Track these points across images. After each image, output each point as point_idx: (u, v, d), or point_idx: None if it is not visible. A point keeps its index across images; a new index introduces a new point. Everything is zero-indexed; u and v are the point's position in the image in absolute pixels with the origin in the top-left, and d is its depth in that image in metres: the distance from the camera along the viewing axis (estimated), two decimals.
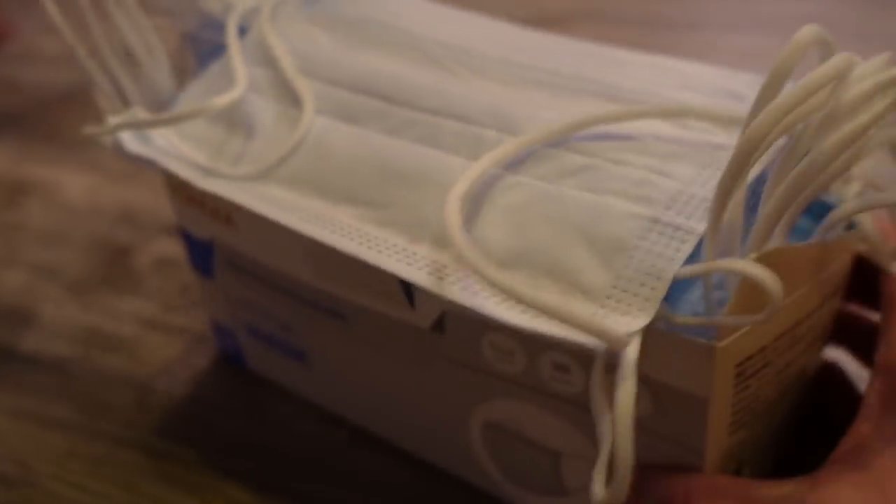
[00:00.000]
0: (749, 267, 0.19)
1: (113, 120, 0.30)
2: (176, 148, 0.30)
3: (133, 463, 0.34)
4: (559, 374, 0.25)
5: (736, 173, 0.20)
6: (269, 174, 0.28)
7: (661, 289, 0.21)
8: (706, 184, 0.23)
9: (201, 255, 0.34)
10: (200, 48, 0.33)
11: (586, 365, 0.24)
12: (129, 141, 0.30)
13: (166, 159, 0.29)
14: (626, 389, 0.21)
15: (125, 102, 0.31)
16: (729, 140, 0.24)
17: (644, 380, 0.22)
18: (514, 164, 0.25)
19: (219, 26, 0.32)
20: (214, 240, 0.32)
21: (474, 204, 0.24)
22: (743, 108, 0.23)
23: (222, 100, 0.29)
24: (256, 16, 0.32)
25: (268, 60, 0.31)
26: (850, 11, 0.59)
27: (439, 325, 0.26)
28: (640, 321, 0.21)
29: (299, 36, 0.32)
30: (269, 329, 0.34)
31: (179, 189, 0.31)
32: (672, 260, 0.21)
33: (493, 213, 0.24)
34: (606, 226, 0.23)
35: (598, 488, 0.21)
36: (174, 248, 0.45)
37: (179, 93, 0.32)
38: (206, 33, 0.33)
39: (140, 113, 0.30)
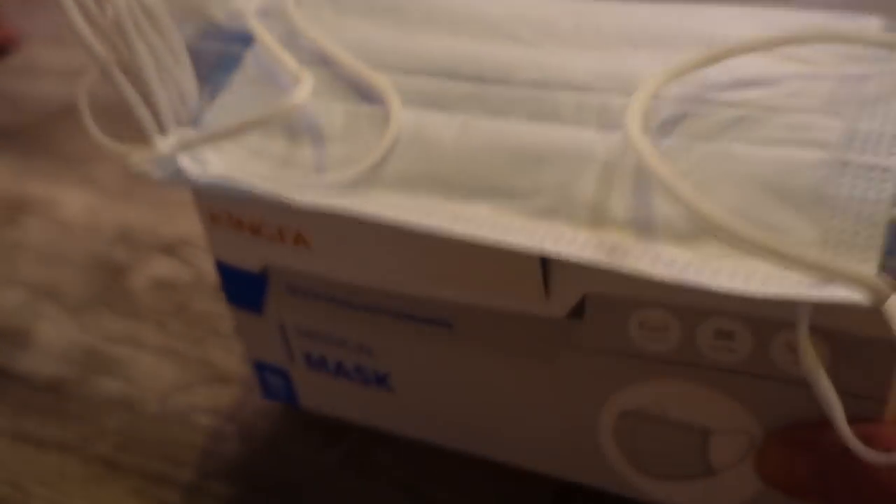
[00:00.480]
0: None
1: (164, 143, 0.27)
2: (243, 166, 0.27)
3: (126, 486, 0.34)
4: (721, 342, 0.24)
5: None
6: (370, 179, 0.25)
7: (878, 235, 0.20)
8: (874, 116, 0.22)
9: (247, 288, 0.32)
10: (199, 62, 0.30)
11: (755, 328, 0.23)
12: (190, 166, 0.26)
13: (251, 183, 0.26)
14: None
15: (160, 124, 0.28)
16: (868, 69, 0.23)
17: (820, 330, 0.22)
18: (661, 127, 0.24)
19: (223, 36, 0.30)
20: (271, 268, 0.30)
21: (637, 177, 0.23)
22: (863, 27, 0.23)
23: (302, 93, 0.26)
24: (269, 17, 0.30)
25: (314, 58, 0.28)
26: None
27: (576, 311, 0.25)
28: (868, 272, 0.20)
29: (337, 29, 0.29)
30: (339, 356, 0.32)
31: (222, 217, 0.29)
32: (879, 202, 0.21)
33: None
34: (793, 178, 0.22)
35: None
36: (170, 269, 0.46)
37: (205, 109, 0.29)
38: (207, 45, 0.30)
39: (186, 132, 0.27)
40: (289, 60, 0.27)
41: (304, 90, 0.26)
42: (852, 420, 0.22)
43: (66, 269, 0.47)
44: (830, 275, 0.20)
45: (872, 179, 0.21)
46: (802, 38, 0.23)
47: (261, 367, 0.34)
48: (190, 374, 0.39)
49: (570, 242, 0.23)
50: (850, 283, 0.20)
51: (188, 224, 0.48)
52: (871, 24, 0.24)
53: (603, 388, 0.27)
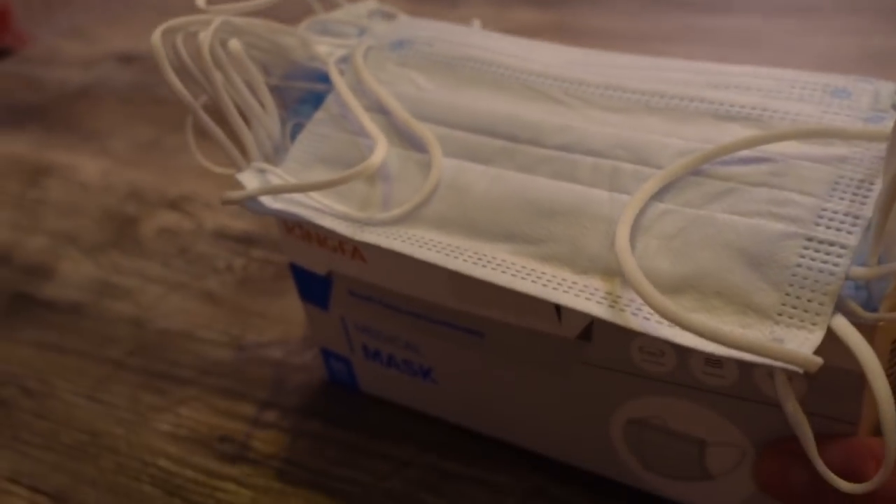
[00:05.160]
0: None
1: (252, 181, 0.31)
2: (310, 199, 0.30)
3: (133, 381, 0.41)
4: (711, 368, 0.26)
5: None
6: (411, 217, 0.29)
7: (830, 303, 0.23)
8: (843, 198, 0.25)
9: (315, 288, 0.36)
10: (286, 97, 0.35)
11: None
12: (268, 200, 0.30)
13: (311, 214, 0.30)
14: (880, 384, 0.22)
15: (245, 155, 0.32)
16: (848, 151, 0.26)
17: None
18: (659, 192, 0.27)
19: (304, 75, 0.34)
20: (334, 273, 0.34)
21: (631, 234, 0.26)
22: (856, 111, 0.27)
23: (375, 160, 0.30)
24: (346, 62, 0.34)
25: (375, 106, 0.32)
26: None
27: (585, 333, 0.28)
28: (816, 336, 0.23)
29: (396, 79, 0.33)
30: (391, 350, 0.35)
31: (294, 230, 0.33)
32: (833, 275, 0.23)
33: (651, 242, 0.26)
34: (764, 246, 0.24)
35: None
36: (174, 220, 0.52)
37: (287, 140, 0.33)
38: (292, 82, 0.34)
39: (267, 168, 0.31)
40: (365, 119, 0.31)
41: (378, 157, 0.30)
42: (832, 440, 0.25)
43: (83, 220, 0.54)
44: (771, 352, 0.22)
45: (830, 254, 0.24)
46: (774, 138, 0.26)
47: (326, 354, 0.39)
48: (189, 300, 0.46)
49: (570, 287, 0.26)
50: (787, 358, 0.22)
51: (190, 185, 0.55)
52: (884, 90, 0.28)
53: (610, 399, 0.30)
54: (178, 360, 0.42)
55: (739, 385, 0.26)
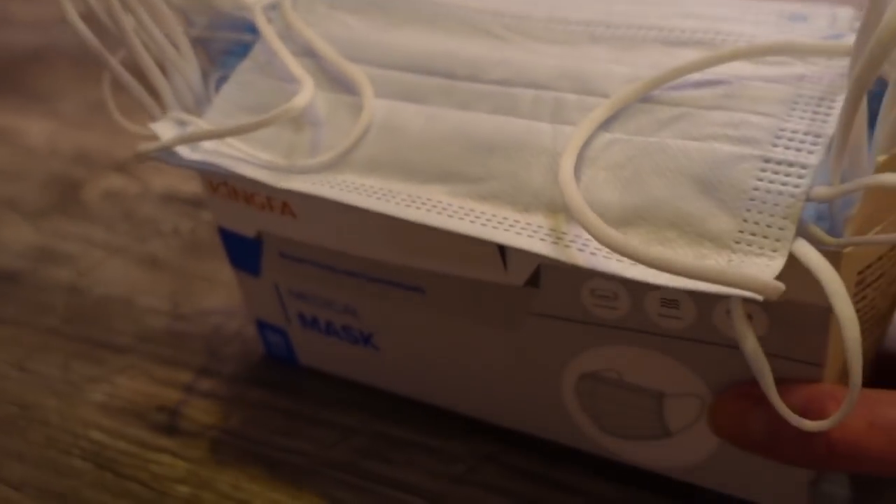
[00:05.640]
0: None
1: (168, 131, 0.29)
2: (232, 149, 0.29)
3: (68, 350, 0.39)
4: (667, 309, 0.25)
5: (862, 87, 0.20)
6: (341, 163, 0.27)
7: (790, 227, 0.21)
8: (803, 117, 0.23)
9: (245, 252, 0.34)
10: (211, 49, 0.33)
11: (697, 297, 0.24)
12: (184, 150, 0.29)
13: (232, 163, 0.28)
14: (846, 311, 0.21)
15: (161, 106, 0.30)
16: (807, 69, 0.24)
17: (757, 300, 0.22)
18: (606, 122, 0.25)
19: (230, 25, 0.32)
20: (264, 233, 0.32)
21: (576, 167, 0.24)
22: (813, 34, 0.25)
23: (299, 101, 0.28)
24: (274, 10, 0.32)
25: (305, 50, 0.30)
26: None
27: (533, 280, 0.27)
28: (777, 262, 0.21)
29: (328, 22, 0.31)
30: (329, 316, 0.33)
31: (219, 188, 0.32)
32: (794, 196, 0.22)
33: (598, 174, 0.24)
34: (719, 170, 0.23)
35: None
36: (122, 182, 0.50)
37: (212, 93, 0.31)
38: (217, 33, 0.32)
39: (186, 118, 0.29)
40: (292, 62, 0.30)
41: (304, 98, 0.28)
42: (792, 383, 0.24)
43: (27, 183, 0.51)
44: (729, 278, 0.21)
45: (790, 175, 0.22)
46: (728, 57, 0.25)
47: (262, 326, 0.37)
48: (131, 265, 0.44)
49: (512, 226, 0.24)
50: (745, 284, 0.21)
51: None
52: (842, 14, 0.26)
53: (562, 353, 0.28)
54: (116, 327, 0.40)
55: (697, 326, 0.25)
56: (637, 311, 0.26)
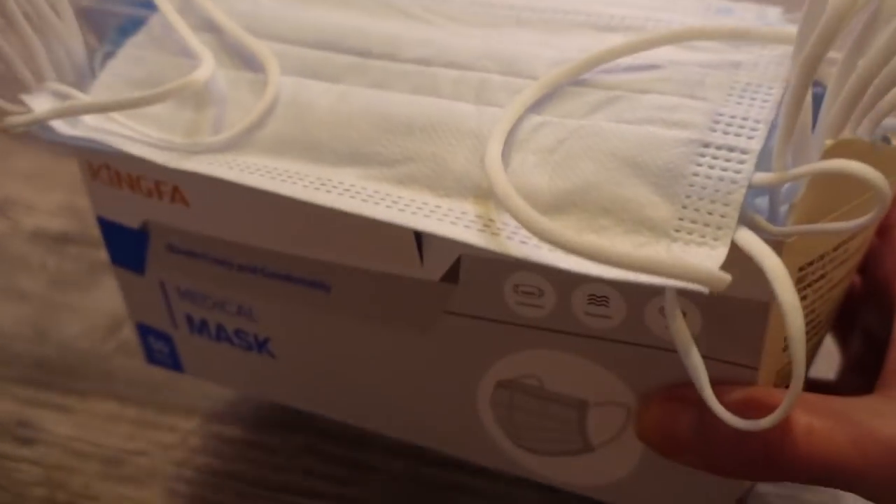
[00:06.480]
0: (849, 165, 0.18)
1: (44, 104, 0.26)
2: (119, 126, 0.26)
3: None
4: (595, 307, 0.23)
5: (810, 69, 0.19)
6: (242, 143, 0.25)
7: (733, 214, 0.20)
8: (740, 102, 0.22)
9: (128, 246, 0.31)
10: (101, 24, 0.30)
11: (628, 294, 0.23)
12: (61, 125, 0.26)
13: (117, 140, 0.26)
14: (790, 300, 0.19)
15: (38, 78, 0.27)
16: (742, 56, 0.24)
17: (691, 296, 0.21)
18: (536, 104, 0.24)
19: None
20: (151, 224, 0.29)
21: (504, 150, 0.23)
22: (745, 23, 0.24)
23: (197, 76, 0.26)
24: None
25: (205, 24, 0.28)
26: None
27: (450, 275, 0.25)
28: (719, 252, 0.20)
29: None
30: (220, 319, 0.30)
31: (100, 172, 0.29)
32: (735, 182, 0.21)
33: (527, 157, 0.23)
34: (655, 154, 0.21)
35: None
36: None
37: (98, 69, 0.29)
38: (107, 5, 0.30)
39: (65, 90, 0.26)
40: (190, 36, 0.27)
41: (205, 72, 0.26)
42: (727, 385, 0.22)
43: None
44: (670, 269, 0.19)
45: (731, 160, 0.21)
46: (663, 40, 0.24)
47: (144, 331, 0.33)
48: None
49: (432, 211, 0.23)
50: (688, 275, 0.19)
51: (15, 187, 0.53)
52: (771, 12, 0.26)
53: (479, 357, 0.26)
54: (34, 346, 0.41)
55: (627, 326, 0.23)
56: (563, 310, 0.24)
